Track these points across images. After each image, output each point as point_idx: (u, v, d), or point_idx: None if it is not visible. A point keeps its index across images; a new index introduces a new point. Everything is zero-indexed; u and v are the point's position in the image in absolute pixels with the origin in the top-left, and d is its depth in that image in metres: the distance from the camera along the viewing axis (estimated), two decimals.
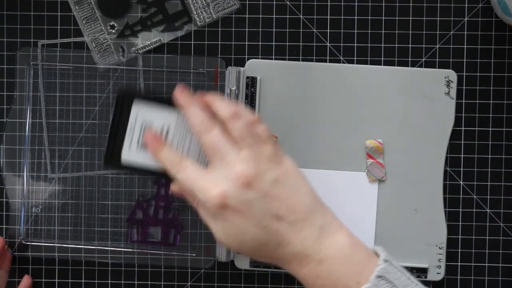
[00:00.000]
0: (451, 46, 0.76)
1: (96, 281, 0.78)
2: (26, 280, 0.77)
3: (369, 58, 0.76)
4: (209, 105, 0.65)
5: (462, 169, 0.77)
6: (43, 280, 0.78)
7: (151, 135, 0.66)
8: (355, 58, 0.76)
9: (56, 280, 0.78)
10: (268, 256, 0.62)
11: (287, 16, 0.76)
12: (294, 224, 0.61)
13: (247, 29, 0.77)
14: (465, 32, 0.76)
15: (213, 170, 0.62)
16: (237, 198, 0.61)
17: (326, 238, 0.61)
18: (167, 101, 0.66)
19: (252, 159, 0.61)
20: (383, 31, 0.76)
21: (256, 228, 0.61)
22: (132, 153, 0.67)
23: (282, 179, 0.62)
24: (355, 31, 0.76)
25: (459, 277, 0.77)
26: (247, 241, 0.62)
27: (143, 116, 0.67)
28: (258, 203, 0.61)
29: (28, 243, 0.77)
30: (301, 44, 0.76)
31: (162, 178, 0.67)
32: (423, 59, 0.76)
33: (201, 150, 0.67)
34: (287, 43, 0.77)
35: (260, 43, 0.77)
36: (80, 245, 0.77)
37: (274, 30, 0.77)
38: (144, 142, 0.66)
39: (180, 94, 0.66)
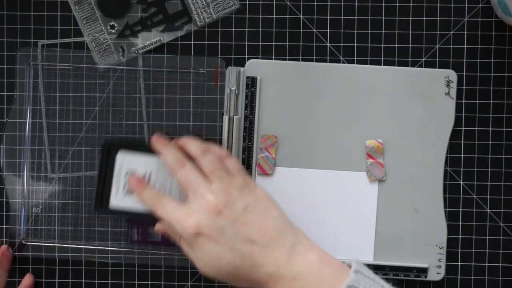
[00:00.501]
0: (451, 46, 0.76)
1: (96, 281, 0.78)
2: (27, 279, 0.77)
3: (369, 58, 0.76)
4: (183, 147, 0.71)
5: (462, 169, 0.77)
6: (43, 280, 0.78)
7: (135, 178, 0.72)
8: (355, 58, 0.76)
9: (56, 280, 0.78)
10: (245, 280, 0.66)
11: (287, 16, 0.76)
12: (265, 246, 0.65)
13: (247, 29, 0.77)
14: (465, 32, 0.76)
15: (188, 203, 0.68)
16: (209, 226, 0.65)
17: (297, 256, 0.65)
18: (148, 148, 0.73)
19: (222, 190, 0.67)
20: (383, 31, 0.76)
21: (230, 252, 0.65)
22: (119, 198, 0.74)
23: (252, 206, 0.67)
24: (355, 31, 0.76)
25: (459, 277, 0.77)
26: (223, 266, 0.66)
27: (127, 163, 0.74)
28: (230, 229, 0.65)
29: (28, 243, 0.77)
30: (301, 44, 0.76)
31: (149, 219, 0.72)
32: (423, 59, 0.76)
33: (181, 189, 0.72)
34: (287, 43, 0.77)
35: (260, 43, 0.77)
36: (80, 245, 0.77)
37: (274, 30, 0.77)
38: (129, 185, 0.72)
39: (156, 140, 0.72)
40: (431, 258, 0.76)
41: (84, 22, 0.77)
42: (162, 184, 0.73)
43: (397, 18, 0.76)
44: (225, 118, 0.76)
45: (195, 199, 0.67)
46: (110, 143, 0.74)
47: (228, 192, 0.67)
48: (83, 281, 0.78)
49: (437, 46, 0.76)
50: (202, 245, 0.66)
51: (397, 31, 0.76)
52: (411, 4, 0.76)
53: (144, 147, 0.73)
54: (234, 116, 0.76)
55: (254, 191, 0.69)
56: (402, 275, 0.76)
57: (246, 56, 0.77)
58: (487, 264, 0.77)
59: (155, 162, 0.73)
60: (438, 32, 0.76)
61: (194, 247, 0.67)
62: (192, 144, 0.71)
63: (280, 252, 0.65)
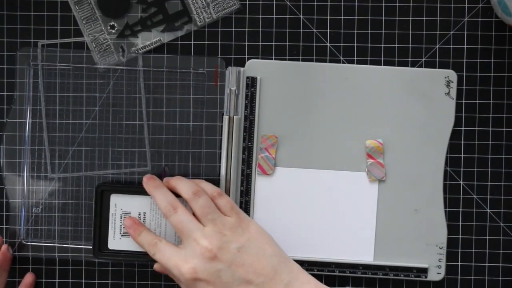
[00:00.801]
0: (451, 46, 0.76)
1: (96, 281, 0.78)
2: (28, 278, 0.77)
3: (369, 58, 0.76)
4: (174, 188, 0.72)
5: (462, 169, 0.77)
6: (43, 280, 0.78)
7: (129, 222, 0.73)
8: (355, 58, 0.76)
9: (56, 280, 0.78)
10: None
11: (287, 16, 0.76)
12: (262, 285, 0.67)
13: (247, 29, 0.77)
14: (465, 32, 0.76)
15: (183, 247, 0.70)
16: (205, 271, 0.67)
17: None
18: (141, 189, 0.73)
19: (215, 233, 0.69)
20: (383, 31, 0.76)
21: None
22: (117, 241, 0.75)
23: (246, 246, 0.69)
24: (355, 31, 0.76)
25: (459, 277, 0.77)
26: None
27: (121, 206, 0.75)
28: (226, 273, 0.67)
29: (28, 243, 0.77)
30: (301, 44, 0.76)
31: (148, 260, 0.73)
32: (423, 59, 0.76)
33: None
34: (287, 43, 0.77)
35: (260, 43, 0.77)
36: (80, 245, 0.77)
37: (274, 30, 0.77)
38: (124, 228, 0.74)
39: (147, 182, 0.73)
40: (431, 258, 0.76)
41: (84, 22, 0.77)
42: (157, 223, 0.74)
43: (397, 18, 0.76)
44: (225, 118, 0.76)
45: (189, 244, 0.69)
46: (103, 186, 0.75)
47: (221, 234, 0.69)
48: (83, 281, 0.78)
49: (437, 46, 0.76)
50: None
51: (397, 31, 0.76)
52: (411, 4, 0.76)
53: (137, 188, 0.74)
54: (234, 116, 0.76)
55: (248, 229, 0.70)
56: (402, 275, 0.76)
57: (246, 56, 0.77)
58: (487, 264, 0.77)
59: (149, 203, 0.74)
60: (438, 32, 0.76)
61: None
62: (183, 186, 0.72)
63: None
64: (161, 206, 0.71)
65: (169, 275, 0.72)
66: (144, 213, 0.74)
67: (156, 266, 0.73)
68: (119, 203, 0.74)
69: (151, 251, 0.71)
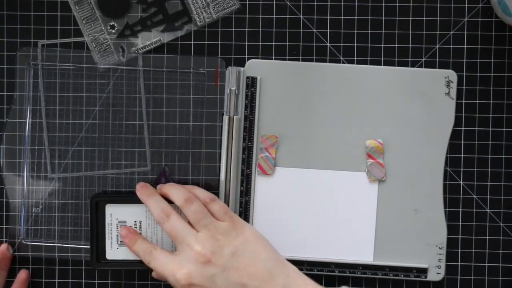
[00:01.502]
0: (451, 46, 0.76)
1: (96, 281, 0.78)
2: (22, 274, 0.77)
3: (369, 58, 0.76)
4: (167, 195, 0.72)
5: (462, 169, 0.77)
6: (43, 280, 0.78)
7: (125, 231, 0.74)
8: (355, 58, 0.76)
9: (56, 280, 0.78)
10: None
11: (287, 16, 0.76)
12: None
13: (247, 29, 0.77)
14: (465, 32, 0.76)
15: (178, 253, 0.70)
16: (200, 276, 0.68)
17: None
18: (135, 198, 0.73)
19: (208, 238, 0.69)
20: (383, 31, 0.76)
21: None
22: (114, 250, 0.75)
23: (240, 249, 0.69)
24: (355, 31, 0.76)
25: (459, 277, 0.77)
26: None
27: (117, 215, 0.75)
28: (220, 277, 0.67)
29: (28, 243, 0.77)
30: (301, 44, 0.77)
31: (146, 267, 0.72)
32: (423, 59, 0.76)
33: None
34: (287, 43, 0.77)
35: (260, 43, 0.77)
36: (80, 245, 0.77)
37: (274, 30, 0.77)
38: (121, 238, 0.74)
39: (139, 190, 0.73)
40: (431, 258, 0.76)
41: (84, 22, 0.77)
42: (153, 231, 0.75)
43: (397, 18, 0.76)
44: (225, 118, 0.76)
45: (183, 250, 0.69)
46: (97, 197, 0.75)
47: (215, 239, 0.69)
48: (83, 281, 0.78)
49: (437, 46, 0.76)
50: None
51: (397, 31, 0.76)
52: (411, 4, 0.76)
53: (131, 197, 0.74)
54: (234, 116, 0.76)
55: (242, 233, 0.70)
56: (402, 275, 0.76)
57: (246, 56, 0.77)
58: (487, 264, 0.77)
59: (144, 211, 0.74)
60: (438, 32, 0.76)
61: None
62: (175, 193, 0.72)
63: None
64: (154, 214, 0.71)
65: (166, 282, 0.72)
66: (140, 221, 0.74)
67: (154, 274, 0.73)
68: (114, 213, 0.74)
69: (146, 260, 0.71)
